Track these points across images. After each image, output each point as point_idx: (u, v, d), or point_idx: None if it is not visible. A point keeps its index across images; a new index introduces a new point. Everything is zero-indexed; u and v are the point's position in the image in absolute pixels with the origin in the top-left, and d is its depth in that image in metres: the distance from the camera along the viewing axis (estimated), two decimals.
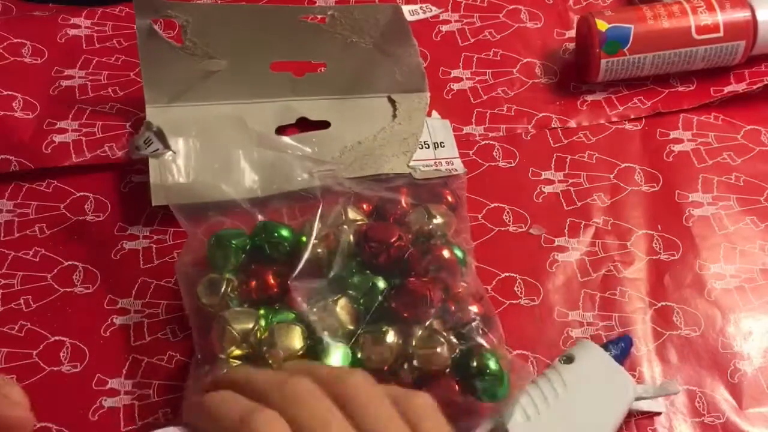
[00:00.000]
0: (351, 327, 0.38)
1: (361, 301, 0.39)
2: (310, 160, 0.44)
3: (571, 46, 0.54)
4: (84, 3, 0.53)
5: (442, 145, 0.48)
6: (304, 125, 0.49)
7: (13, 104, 0.48)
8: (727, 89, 0.51)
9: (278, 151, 0.45)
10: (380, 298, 0.39)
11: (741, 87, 0.51)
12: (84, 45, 0.52)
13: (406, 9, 0.47)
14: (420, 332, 0.38)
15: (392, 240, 0.40)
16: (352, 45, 0.48)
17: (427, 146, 0.48)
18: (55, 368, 0.41)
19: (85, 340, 0.42)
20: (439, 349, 0.38)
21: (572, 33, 0.54)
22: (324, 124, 0.49)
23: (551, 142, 0.50)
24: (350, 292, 0.39)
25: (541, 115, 0.50)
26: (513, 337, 0.43)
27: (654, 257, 0.46)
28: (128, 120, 0.48)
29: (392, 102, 0.50)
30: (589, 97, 0.51)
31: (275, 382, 0.30)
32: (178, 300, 0.43)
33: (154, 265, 0.44)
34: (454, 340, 0.38)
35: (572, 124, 0.50)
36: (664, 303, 0.44)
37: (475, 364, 0.38)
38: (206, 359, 0.38)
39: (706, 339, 0.43)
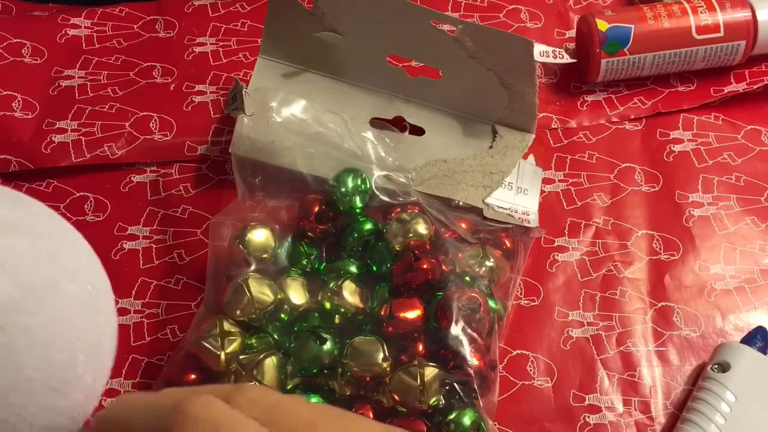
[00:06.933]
0: (356, 307, 0.39)
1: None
2: (390, 162, 0.44)
3: (571, 46, 0.54)
4: (84, 3, 0.53)
5: (525, 192, 0.47)
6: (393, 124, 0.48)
7: (13, 104, 0.48)
8: (727, 89, 0.51)
9: (361, 142, 0.44)
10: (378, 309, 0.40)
11: (741, 87, 0.51)
12: (84, 45, 0.52)
13: (537, 48, 0.45)
14: (404, 367, 0.37)
15: (431, 274, 0.40)
16: (472, 64, 0.46)
17: (510, 188, 0.46)
18: None
19: None
20: (409, 393, 0.36)
21: (572, 33, 0.54)
22: (418, 130, 0.48)
23: (551, 142, 0.50)
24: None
25: (541, 115, 0.50)
26: (513, 337, 0.43)
27: (654, 257, 0.46)
28: (128, 120, 0.48)
29: (494, 132, 0.48)
30: (590, 97, 0.51)
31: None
32: (178, 300, 0.43)
33: (154, 265, 0.44)
34: (436, 387, 0.37)
35: (572, 124, 0.50)
36: (664, 303, 0.44)
37: (452, 418, 0.37)
38: (210, 314, 0.39)
39: (706, 339, 0.43)
